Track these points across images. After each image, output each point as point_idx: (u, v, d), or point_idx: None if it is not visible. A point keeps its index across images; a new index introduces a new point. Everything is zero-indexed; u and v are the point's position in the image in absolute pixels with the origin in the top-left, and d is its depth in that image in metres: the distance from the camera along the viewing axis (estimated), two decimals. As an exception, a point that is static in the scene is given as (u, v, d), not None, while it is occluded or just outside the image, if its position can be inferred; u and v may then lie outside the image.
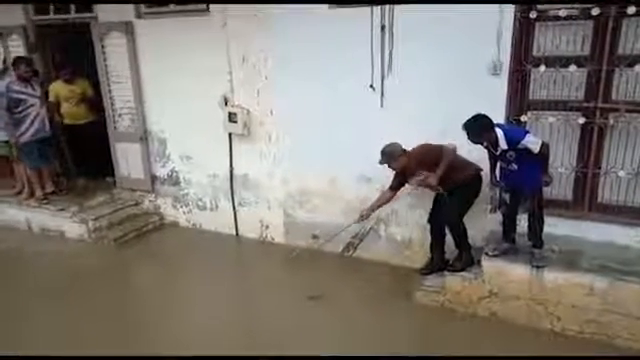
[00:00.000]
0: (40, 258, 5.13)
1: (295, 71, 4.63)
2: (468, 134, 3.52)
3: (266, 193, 5.22)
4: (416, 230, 4.53)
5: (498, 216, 3.89)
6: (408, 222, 4.57)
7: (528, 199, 3.59)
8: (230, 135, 5.17)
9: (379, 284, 4.35)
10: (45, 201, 5.72)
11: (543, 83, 3.85)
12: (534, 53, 3.83)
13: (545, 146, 3.43)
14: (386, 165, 3.93)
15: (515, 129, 3.61)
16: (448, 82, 4.03)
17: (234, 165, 5.30)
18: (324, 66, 4.47)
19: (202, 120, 5.25)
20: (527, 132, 3.48)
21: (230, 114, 4.99)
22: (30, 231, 5.77)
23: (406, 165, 3.86)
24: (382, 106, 4.34)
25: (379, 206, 4.18)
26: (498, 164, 3.70)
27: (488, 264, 3.75)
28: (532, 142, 3.41)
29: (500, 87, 3.90)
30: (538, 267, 3.58)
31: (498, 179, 3.76)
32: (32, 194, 5.78)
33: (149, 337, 3.74)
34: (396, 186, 4.04)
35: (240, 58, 4.88)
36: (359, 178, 4.63)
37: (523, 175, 3.52)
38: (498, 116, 3.77)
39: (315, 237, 4.95)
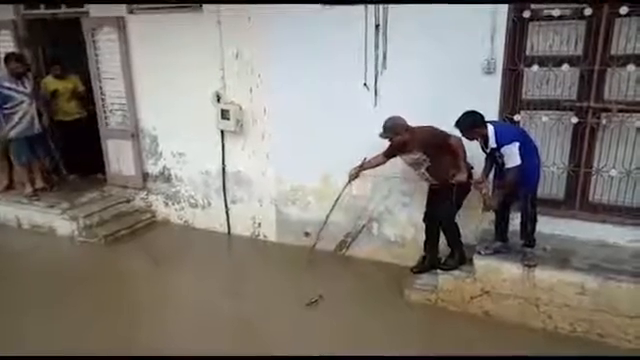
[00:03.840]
0: (29, 256, 5.07)
1: (289, 69, 4.61)
2: (460, 131, 3.53)
3: (259, 190, 5.19)
4: (408, 229, 4.53)
5: (490, 215, 3.89)
6: (401, 221, 4.57)
7: (521, 198, 3.60)
8: (222, 132, 5.14)
9: (372, 282, 4.35)
10: (35, 197, 5.65)
11: (536, 82, 3.86)
12: (527, 52, 3.84)
13: (515, 170, 3.39)
14: (387, 139, 3.84)
15: (508, 130, 3.54)
16: (442, 81, 4.02)
17: (226, 162, 5.27)
18: (318, 65, 4.45)
19: (194, 117, 5.21)
20: (516, 141, 3.38)
21: (223, 111, 4.96)
22: (20, 228, 5.70)
23: (407, 141, 3.78)
24: (376, 105, 4.33)
25: (368, 168, 4.12)
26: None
27: (480, 263, 3.76)
28: (510, 155, 3.38)
29: (494, 86, 3.90)
30: (530, 266, 3.59)
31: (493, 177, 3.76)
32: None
33: (140, 336, 3.70)
34: (390, 155, 3.96)
35: (233, 55, 4.85)
36: (352, 176, 4.62)
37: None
38: (492, 115, 3.77)
39: (307, 235, 4.94)
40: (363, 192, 4.60)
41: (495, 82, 3.89)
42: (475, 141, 3.63)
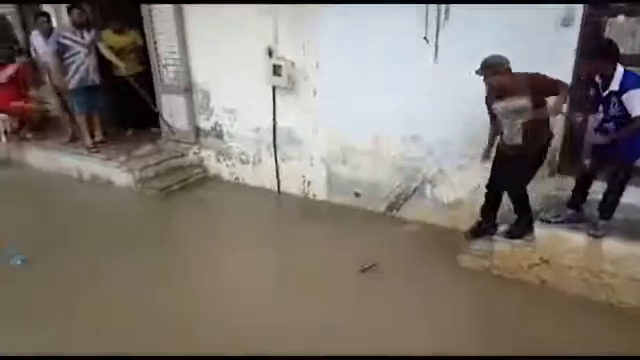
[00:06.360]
0: (90, 206, 5.29)
1: (343, 23, 4.40)
2: (593, 56, 3.10)
3: (309, 149, 5.14)
4: (463, 191, 4.36)
5: (556, 180, 3.64)
6: (455, 183, 4.39)
7: (614, 168, 3.23)
8: (274, 88, 5.06)
9: (423, 246, 4.25)
10: (94, 150, 5.87)
11: (622, 35, 3.47)
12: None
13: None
14: (482, 77, 3.43)
15: (636, 76, 3.04)
16: (511, 34, 3.68)
17: (277, 119, 5.22)
18: (373, 17, 4.21)
19: (246, 73, 5.14)
20: None
21: (275, 66, 4.86)
22: (81, 179, 5.98)
23: (506, 84, 3.37)
24: (436, 60, 4.08)
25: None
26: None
27: (542, 231, 3.56)
28: (636, 101, 2.95)
29: (570, 40, 3.55)
30: (596, 236, 3.36)
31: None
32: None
33: (190, 287, 3.77)
34: (488, 104, 3.59)
35: (286, 7, 4.68)
36: (405, 137, 4.45)
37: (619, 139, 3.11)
38: (566, 74, 3.46)
39: (358, 195, 4.87)
40: (418, 153, 4.44)
41: (572, 35, 3.54)
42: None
